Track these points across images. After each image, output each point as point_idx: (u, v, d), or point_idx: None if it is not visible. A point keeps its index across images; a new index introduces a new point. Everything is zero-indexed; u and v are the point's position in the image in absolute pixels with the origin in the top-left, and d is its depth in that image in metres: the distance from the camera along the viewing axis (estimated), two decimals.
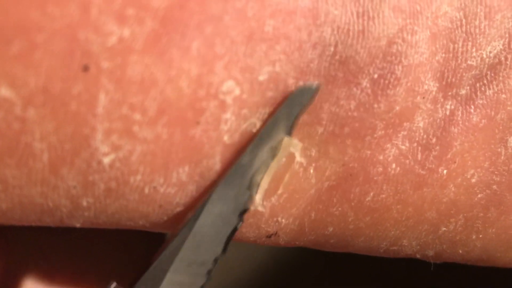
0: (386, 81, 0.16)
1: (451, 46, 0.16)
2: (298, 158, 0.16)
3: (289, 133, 0.15)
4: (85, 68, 0.14)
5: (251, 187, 0.15)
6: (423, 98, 0.16)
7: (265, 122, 0.15)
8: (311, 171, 0.16)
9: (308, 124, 0.16)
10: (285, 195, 0.16)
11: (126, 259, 0.22)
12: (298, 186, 0.16)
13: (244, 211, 0.15)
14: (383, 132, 0.16)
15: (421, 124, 0.17)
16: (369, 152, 0.16)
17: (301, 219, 0.17)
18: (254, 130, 0.15)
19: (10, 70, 0.13)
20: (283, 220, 0.17)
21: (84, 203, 0.15)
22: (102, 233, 0.21)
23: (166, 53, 0.14)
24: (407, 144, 0.17)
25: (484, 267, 0.21)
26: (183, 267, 0.15)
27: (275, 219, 0.17)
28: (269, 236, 0.17)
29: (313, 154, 0.16)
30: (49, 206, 0.15)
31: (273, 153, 0.15)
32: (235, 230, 0.15)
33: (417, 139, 0.17)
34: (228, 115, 0.15)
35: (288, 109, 0.15)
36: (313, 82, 0.15)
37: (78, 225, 0.16)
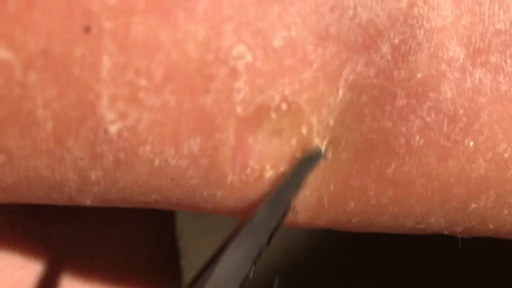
0: (407, 46, 0.15)
1: (477, 8, 0.15)
2: (316, 128, 0.15)
3: (297, 194, 0.16)
4: (87, 29, 0.13)
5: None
6: (449, 65, 0.15)
7: (276, 184, 0.16)
8: (328, 140, 0.16)
9: (326, 94, 0.15)
10: None
11: (140, 247, 0.21)
12: None
13: (255, 260, 0.16)
14: (405, 101, 0.15)
15: (448, 95, 0.16)
16: (390, 123, 0.16)
17: (319, 191, 0.16)
18: (273, 105, 0.15)
19: (8, 30, 0.13)
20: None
21: (93, 177, 0.15)
22: (117, 222, 0.21)
23: (170, 14, 0.13)
24: (433, 116, 0.16)
25: None
26: None
27: None
28: None
29: (330, 123, 0.15)
30: (57, 180, 0.15)
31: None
32: (247, 277, 0.16)
33: (444, 110, 0.16)
34: (240, 84, 0.14)
35: (298, 173, 0.16)
36: (320, 146, 0.16)
37: (88, 202, 0.16)
